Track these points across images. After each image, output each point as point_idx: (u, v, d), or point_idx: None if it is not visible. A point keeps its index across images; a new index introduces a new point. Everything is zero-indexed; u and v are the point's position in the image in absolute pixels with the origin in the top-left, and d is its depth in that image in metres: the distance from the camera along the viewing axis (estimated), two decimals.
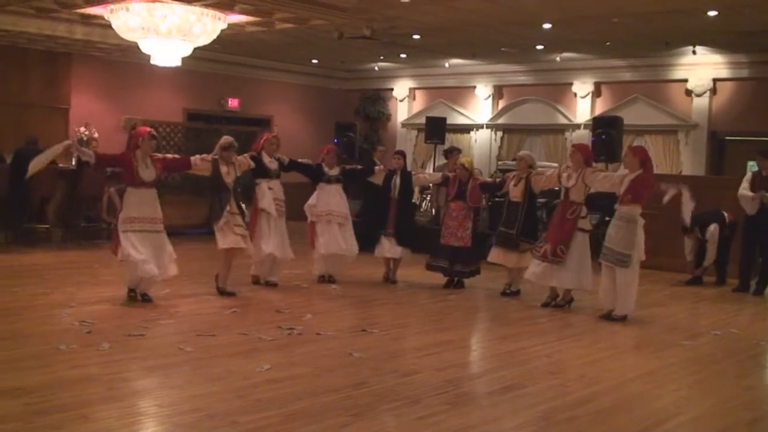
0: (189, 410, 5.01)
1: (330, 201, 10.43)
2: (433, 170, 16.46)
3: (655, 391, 5.97)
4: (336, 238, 10.35)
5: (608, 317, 8.59)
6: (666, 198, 9.30)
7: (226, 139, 9.38)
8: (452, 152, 13.69)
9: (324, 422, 4.89)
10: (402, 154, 10.93)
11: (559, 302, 9.34)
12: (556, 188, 10.33)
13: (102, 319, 7.53)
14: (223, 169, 9.11)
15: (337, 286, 10.08)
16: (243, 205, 9.45)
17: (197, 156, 9.23)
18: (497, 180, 10.75)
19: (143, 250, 8.30)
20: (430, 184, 13.85)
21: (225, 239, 9.02)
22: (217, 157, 9.16)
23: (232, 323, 7.70)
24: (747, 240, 10.94)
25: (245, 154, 9.70)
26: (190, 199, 14.07)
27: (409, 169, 11.21)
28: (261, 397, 5.31)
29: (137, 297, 8.49)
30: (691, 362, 7.02)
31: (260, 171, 9.85)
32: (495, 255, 9.98)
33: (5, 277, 9.88)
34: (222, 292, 9.08)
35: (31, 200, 13.16)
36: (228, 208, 9.03)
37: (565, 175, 9.26)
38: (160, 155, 8.90)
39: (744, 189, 10.74)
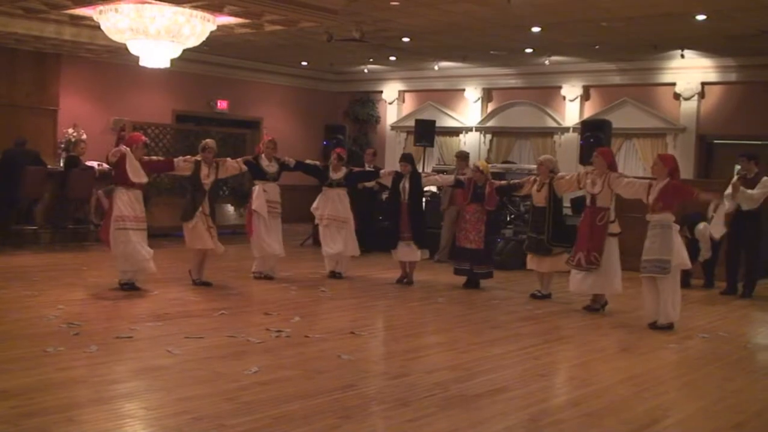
0: (176, 413, 4.99)
1: (330, 205, 10.80)
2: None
3: (643, 393, 5.99)
4: (332, 241, 10.73)
5: (654, 326, 8.46)
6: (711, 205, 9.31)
7: (204, 141, 9.93)
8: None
9: (313, 425, 4.88)
10: (408, 160, 10.91)
11: (594, 306, 9.36)
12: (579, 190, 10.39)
13: (90, 321, 7.51)
14: (204, 170, 9.61)
15: (326, 288, 10.07)
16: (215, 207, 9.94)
17: (180, 158, 9.90)
18: (512, 182, 10.73)
19: (138, 246, 8.92)
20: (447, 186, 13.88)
21: (194, 240, 9.58)
22: (200, 158, 9.65)
23: (220, 325, 7.68)
24: (731, 243, 11.01)
25: (239, 159, 10.30)
26: (179, 201, 14.01)
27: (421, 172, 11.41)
28: (249, 400, 5.30)
29: (134, 286, 9.07)
30: (679, 365, 7.05)
31: (257, 173, 10.36)
32: (529, 261, 10.17)
33: None
34: (197, 283, 9.60)
35: (19, 201, 13.10)
36: (200, 209, 9.52)
37: (589, 181, 9.24)
38: (146, 158, 9.42)
39: (727, 191, 10.83)
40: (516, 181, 10.75)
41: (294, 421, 4.92)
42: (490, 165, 15.74)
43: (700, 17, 11.58)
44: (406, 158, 11.03)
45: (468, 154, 14.70)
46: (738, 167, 11.28)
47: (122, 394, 5.45)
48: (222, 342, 6.96)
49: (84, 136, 15.30)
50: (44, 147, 14.88)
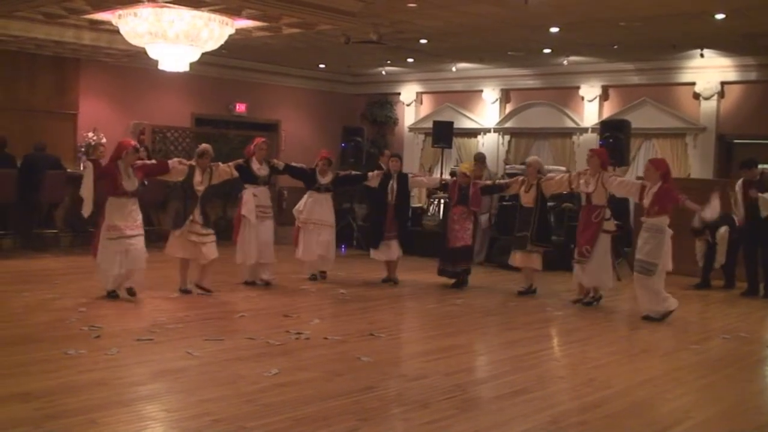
0: (196, 415, 5.02)
1: (315, 209, 10.59)
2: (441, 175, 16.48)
3: (665, 395, 5.96)
4: (313, 247, 10.55)
5: (647, 318, 8.81)
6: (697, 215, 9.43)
7: (201, 146, 9.61)
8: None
9: (332, 427, 4.89)
10: (399, 158, 11.02)
11: (587, 300, 9.62)
12: (565, 192, 10.54)
13: (110, 324, 7.55)
14: (197, 177, 9.30)
15: (344, 290, 10.07)
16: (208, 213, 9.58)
17: (175, 159, 9.54)
18: (497, 182, 10.91)
19: (118, 261, 8.63)
20: (432, 188, 13.90)
21: (177, 248, 9.28)
22: (194, 163, 9.35)
23: (239, 328, 7.71)
24: (748, 243, 10.99)
25: (230, 163, 9.89)
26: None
27: (407, 172, 11.32)
28: (269, 402, 5.32)
29: (118, 295, 8.83)
30: (700, 366, 7.00)
31: (248, 177, 10.02)
32: (512, 258, 10.36)
33: (14, 282, 9.91)
34: (182, 291, 9.34)
35: (40, 205, 13.20)
36: (192, 216, 9.21)
37: (582, 180, 9.52)
38: (139, 162, 9.09)
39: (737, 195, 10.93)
40: (501, 181, 10.96)
41: (313, 423, 4.93)
42: (508, 166, 15.84)
43: (719, 16, 11.50)
44: (398, 156, 11.14)
45: (484, 156, 14.69)
46: (760, 167, 11.27)
47: (143, 396, 5.48)
48: (242, 344, 6.98)
49: (104, 140, 15.40)
50: (64, 151, 14.97)
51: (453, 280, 10.61)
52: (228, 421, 4.90)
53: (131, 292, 8.84)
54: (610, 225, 9.47)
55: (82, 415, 4.90)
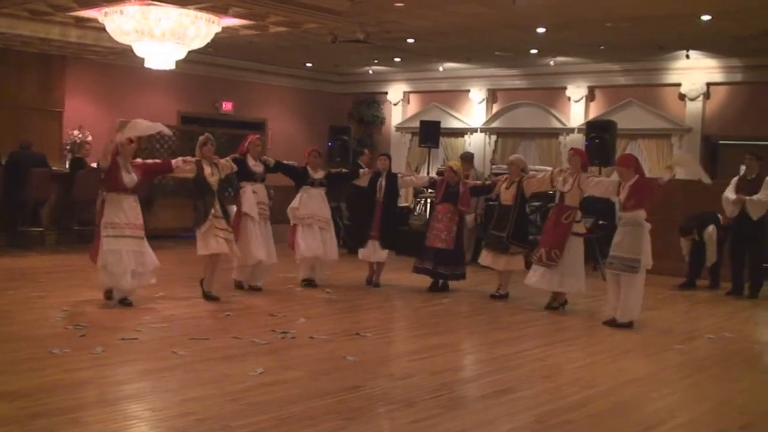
0: (182, 414, 5.00)
1: (313, 205, 10.33)
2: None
3: (650, 394, 5.98)
4: (317, 242, 10.26)
5: (612, 323, 8.49)
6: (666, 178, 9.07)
7: (203, 136, 9.28)
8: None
9: (318, 426, 4.88)
10: (388, 156, 10.97)
11: (553, 305, 9.40)
12: (550, 192, 10.39)
13: (96, 323, 7.52)
14: (207, 170, 9.00)
15: (330, 289, 10.05)
16: (227, 208, 9.33)
17: (179, 158, 9.18)
18: (486, 182, 10.82)
19: (124, 259, 8.26)
20: (422, 187, 13.89)
21: (207, 245, 8.90)
22: (199, 158, 9.07)
23: (225, 327, 7.68)
24: (734, 243, 11.00)
25: (228, 157, 9.59)
26: (184, 203, 14.01)
27: (396, 171, 11.27)
28: (254, 401, 5.30)
29: (114, 302, 8.47)
30: (686, 366, 7.03)
31: (244, 174, 9.73)
32: (484, 258, 10.10)
33: None
34: (207, 297, 9.01)
35: (26, 203, 13.13)
36: (212, 211, 8.91)
37: (560, 179, 9.31)
38: (140, 161, 8.83)
39: (729, 192, 10.86)
40: (489, 182, 10.82)
41: (299, 422, 4.92)
42: (494, 166, 15.85)
43: (706, 18, 11.56)
44: (386, 155, 11.05)
45: (472, 155, 14.69)
46: (743, 167, 11.27)
47: (128, 395, 5.46)
48: (227, 343, 6.96)
49: (89, 138, 15.36)
50: (50, 149, 14.89)
51: (432, 280, 10.41)
52: (213, 420, 4.89)
53: (125, 302, 8.44)
54: (581, 227, 9.24)
55: (66, 414, 4.87)
